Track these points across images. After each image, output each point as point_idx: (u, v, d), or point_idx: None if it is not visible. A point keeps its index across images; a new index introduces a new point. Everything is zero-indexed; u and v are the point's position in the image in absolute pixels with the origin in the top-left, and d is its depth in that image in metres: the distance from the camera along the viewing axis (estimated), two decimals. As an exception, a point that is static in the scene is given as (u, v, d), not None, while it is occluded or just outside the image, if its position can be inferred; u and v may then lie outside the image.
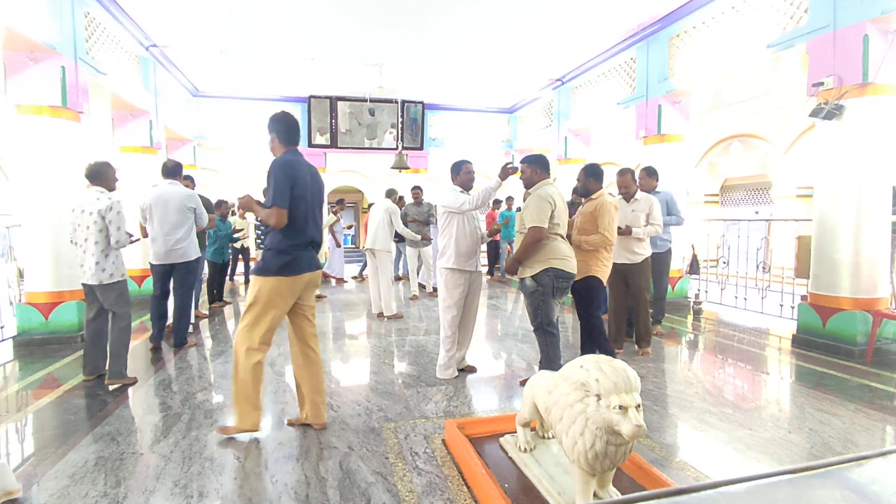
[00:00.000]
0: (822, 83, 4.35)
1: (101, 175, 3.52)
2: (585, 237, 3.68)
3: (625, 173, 4.43)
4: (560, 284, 3.33)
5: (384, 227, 6.11)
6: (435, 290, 7.74)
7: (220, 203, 6.99)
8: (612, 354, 3.54)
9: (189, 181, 5.45)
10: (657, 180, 4.95)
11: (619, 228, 4.09)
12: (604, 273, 3.74)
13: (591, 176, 3.81)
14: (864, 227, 4.31)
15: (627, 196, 4.42)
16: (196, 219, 4.62)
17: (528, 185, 3.49)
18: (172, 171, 4.60)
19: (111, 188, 3.58)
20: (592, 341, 3.76)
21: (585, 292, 3.74)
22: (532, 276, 3.33)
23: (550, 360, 3.37)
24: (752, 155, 11.92)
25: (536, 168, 3.47)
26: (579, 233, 3.76)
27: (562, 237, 3.42)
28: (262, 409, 2.79)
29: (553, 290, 3.31)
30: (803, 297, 4.92)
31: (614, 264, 4.22)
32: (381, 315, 6.07)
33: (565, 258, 3.34)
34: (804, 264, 5.36)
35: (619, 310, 4.48)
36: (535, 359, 4.39)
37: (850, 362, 4.17)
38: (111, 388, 3.09)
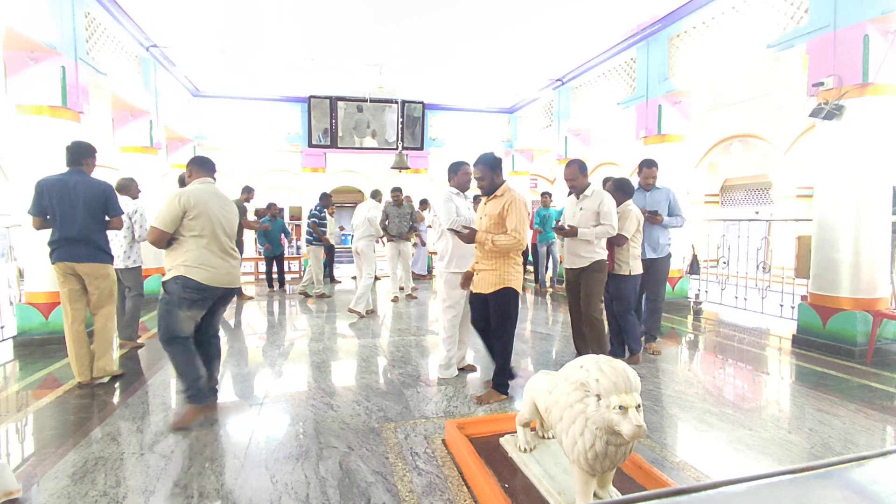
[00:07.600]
0: (822, 83, 4.35)
1: (126, 188, 4.59)
2: (495, 237, 3.15)
3: (571, 164, 3.83)
4: (189, 296, 2.81)
5: (364, 227, 6.41)
6: (413, 292, 7.75)
7: (270, 205, 8.50)
8: (506, 387, 3.31)
9: None
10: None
11: (562, 228, 3.85)
12: (518, 282, 3.29)
13: (497, 168, 3.29)
14: (864, 228, 4.31)
15: (576, 191, 3.89)
16: None
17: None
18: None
19: (134, 197, 4.63)
20: (500, 364, 3.33)
21: (501, 305, 3.24)
22: (163, 282, 2.87)
23: (180, 373, 2.88)
24: (752, 155, 11.93)
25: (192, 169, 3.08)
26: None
27: (215, 243, 2.91)
28: (86, 365, 3.58)
29: (179, 302, 2.80)
30: (803, 298, 4.92)
31: (567, 269, 3.96)
32: (351, 310, 6.17)
33: (202, 267, 2.82)
34: (804, 264, 5.37)
35: (578, 322, 3.98)
36: (534, 358, 4.39)
37: (850, 362, 4.17)
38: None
